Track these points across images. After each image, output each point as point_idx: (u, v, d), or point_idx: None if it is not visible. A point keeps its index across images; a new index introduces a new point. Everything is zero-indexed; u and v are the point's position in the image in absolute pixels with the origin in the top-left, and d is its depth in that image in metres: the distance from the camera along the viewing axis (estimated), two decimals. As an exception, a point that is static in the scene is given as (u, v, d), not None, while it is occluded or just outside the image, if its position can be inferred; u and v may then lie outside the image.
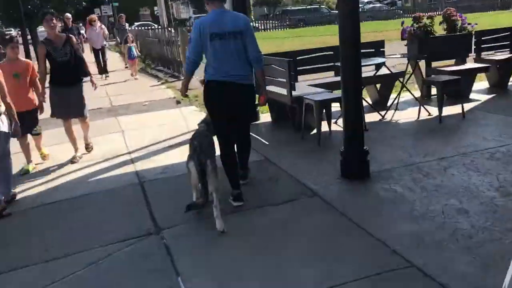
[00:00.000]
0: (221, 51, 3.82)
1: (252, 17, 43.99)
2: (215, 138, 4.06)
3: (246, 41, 3.88)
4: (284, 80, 5.86)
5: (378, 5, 47.20)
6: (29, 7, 20.70)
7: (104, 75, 13.46)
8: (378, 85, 7.29)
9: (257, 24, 35.12)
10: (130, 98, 9.86)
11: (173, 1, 42.17)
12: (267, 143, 5.90)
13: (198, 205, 3.71)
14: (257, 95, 4.38)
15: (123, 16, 16.73)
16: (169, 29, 29.97)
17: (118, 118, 8.13)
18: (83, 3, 26.06)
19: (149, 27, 30.32)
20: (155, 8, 43.62)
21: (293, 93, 5.88)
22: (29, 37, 22.83)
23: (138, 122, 7.72)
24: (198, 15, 37.46)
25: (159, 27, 29.38)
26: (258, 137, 6.04)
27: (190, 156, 3.75)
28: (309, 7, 45.84)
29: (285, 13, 42.00)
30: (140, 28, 29.88)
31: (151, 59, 15.60)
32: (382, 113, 6.57)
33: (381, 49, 7.29)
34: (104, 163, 5.71)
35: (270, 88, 5.94)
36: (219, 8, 3.89)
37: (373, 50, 7.14)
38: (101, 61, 13.46)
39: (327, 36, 19.83)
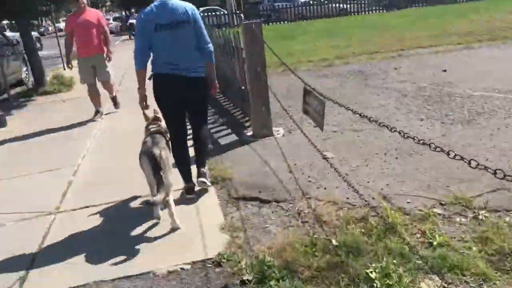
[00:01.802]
0: (168, 42, 3.70)
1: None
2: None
3: (194, 31, 3.77)
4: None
5: None
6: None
7: None
8: None
9: (345, 5, 29.43)
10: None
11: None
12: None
13: (155, 202, 3.36)
14: None
15: None
16: (238, 13, 28.70)
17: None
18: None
19: (213, 13, 28.96)
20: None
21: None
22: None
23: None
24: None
25: (224, 13, 28.31)
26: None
27: (141, 152, 3.59)
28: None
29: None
30: (203, 14, 28.71)
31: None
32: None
33: None
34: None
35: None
36: None
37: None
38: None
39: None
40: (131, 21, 28.72)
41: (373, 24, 19.54)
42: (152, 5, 3.76)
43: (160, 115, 4.03)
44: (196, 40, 3.81)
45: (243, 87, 6.30)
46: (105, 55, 7.65)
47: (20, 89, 11.88)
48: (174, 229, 3.54)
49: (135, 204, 4.15)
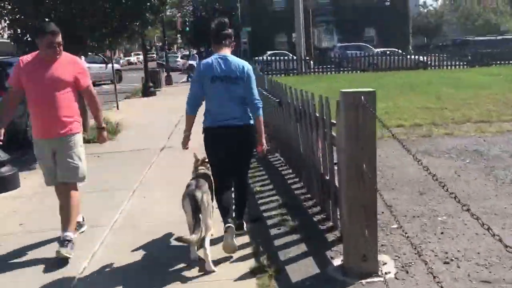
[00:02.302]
0: (220, 94, 3.94)
1: (410, 47, 40.10)
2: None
3: (246, 87, 3.99)
4: None
5: None
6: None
7: None
8: None
9: (424, 58, 27.71)
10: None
11: (316, 27, 39.43)
12: None
13: (188, 240, 3.51)
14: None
15: None
16: (307, 59, 27.27)
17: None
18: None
19: (281, 58, 27.42)
20: (293, 35, 41.81)
21: None
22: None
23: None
24: (343, 44, 34.54)
25: (294, 57, 26.77)
26: None
27: (185, 193, 3.75)
28: (499, 37, 34.89)
29: (464, 44, 32.88)
30: (270, 59, 27.49)
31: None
32: None
33: None
34: None
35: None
36: (222, 52, 4.07)
37: None
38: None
39: None
40: (190, 62, 27.26)
41: (459, 81, 17.23)
42: (213, 57, 4.05)
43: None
44: (247, 95, 4.03)
45: (327, 177, 4.32)
46: (77, 136, 4.25)
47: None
48: (207, 272, 3.56)
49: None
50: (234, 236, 3.83)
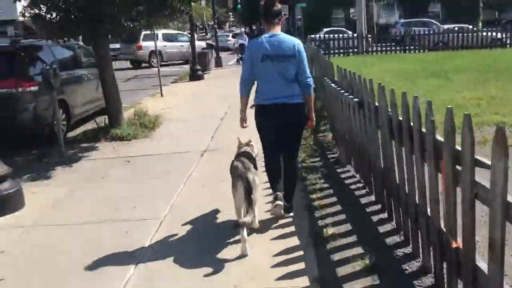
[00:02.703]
0: (272, 72, 3.95)
1: (480, 24, 36.67)
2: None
3: (298, 64, 3.99)
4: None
5: None
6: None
7: None
8: None
9: (501, 34, 24.58)
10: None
11: (375, 1, 36.62)
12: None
13: (245, 224, 3.54)
14: None
15: None
16: (368, 37, 24.73)
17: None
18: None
19: (339, 36, 25.14)
20: (351, 10, 39.32)
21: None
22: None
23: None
24: (407, 20, 31.85)
25: (353, 35, 24.42)
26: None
27: (236, 175, 3.78)
28: None
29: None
30: (327, 36, 25.20)
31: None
32: None
33: None
34: None
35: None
36: (272, 30, 4.05)
37: None
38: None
39: None
40: (240, 41, 24.41)
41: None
42: (263, 36, 4.02)
43: (252, 142, 4.45)
44: (298, 73, 4.01)
45: (438, 224, 2.68)
46: None
47: (89, 125, 9.25)
48: (242, 255, 3.58)
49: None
50: (282, 201, 4.00)
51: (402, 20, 33.19)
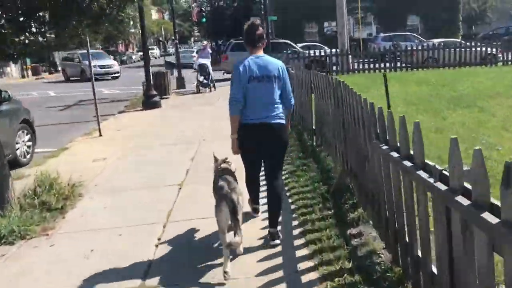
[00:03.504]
0: (257, 93, 4.06)
1: (460, 38, 34.33)
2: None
3: (283, 85, 4.17)
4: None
5: None
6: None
7: None
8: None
9: (492, 50, 22.02)
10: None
11: (351, 15, 33.91)
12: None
13: (237, 243, 3.61)
14: None
15: None
16: (348, 54, 21.04)
17: None
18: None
19: (320, 52, 21.83)
20: (325, 24, 36.82)
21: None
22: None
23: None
24: (387, 34, 29.19)
25: (334, 52, 21.14)
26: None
27: (220, 196, 3.77)
28: None
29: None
30: (304, 54, 21.76)
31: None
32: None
33: None
34: None
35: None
36: (257, 52, 4.17)
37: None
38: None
39: None
40: (201, 61, 16.72)
41: None
42: (249, 58, 4.12)
43: (228, 158, 4.41)
44: (282, 93, 4.18)
45: None
46: None
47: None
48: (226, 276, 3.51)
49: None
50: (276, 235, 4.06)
51: (382, 35, 30.62)
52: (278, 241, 4.05)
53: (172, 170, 6.60)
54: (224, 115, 5.07)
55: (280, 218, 4.26)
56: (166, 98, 15.60)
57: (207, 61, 16.67)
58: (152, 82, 13.80)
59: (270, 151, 4.16)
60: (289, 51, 22.46)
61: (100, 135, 9.76)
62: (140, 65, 46.87)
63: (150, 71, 13.92)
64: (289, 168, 6.17)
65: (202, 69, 16.45)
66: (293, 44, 24.30)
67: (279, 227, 4.19)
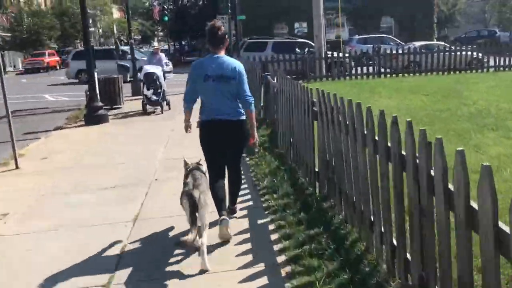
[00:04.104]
0: (213, 91, 4.19)
1: (435, 40, 32.75)
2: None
3: (238, 85, 4.22)
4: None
5: None
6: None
7: None
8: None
9: (479, 54, 20.68)
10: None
11: (325, 15, 31.85)
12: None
13: (186, 242, 3.54)
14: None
15: None
16: (307, 51, 19.04)
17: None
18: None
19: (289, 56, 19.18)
20: (295, 24, 34.79)
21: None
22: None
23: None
24: (362, 36, 27.35)
25: (305, 54, 18.81)
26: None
27: (183, 192, 3.88)
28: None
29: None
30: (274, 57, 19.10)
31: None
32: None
33: None
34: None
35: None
36: (218, 53, 4.28)
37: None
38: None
39: None
40: (148, 69, 12.35)
41: None
42: (206, 57, 4.34)
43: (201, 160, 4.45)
44: (239, 92, 4.24)
45: None
46: None
47: None
48: (203, 270, 3.55)
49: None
50: (228, 226, 4.02)
51: (357, 36, 28.80)
52: (236, 215, 4.60)
53: (99, 246, 4.17)
54: (186, 136, 4.71)
55: None
56: (118, 108, 13.06)
57: (157, 70, 12.21)
58: (97, 90, 11.22)
59: (228, 146, 4.37)
60: (305, 51, 20.32)
61: (17, 167, 7.20)
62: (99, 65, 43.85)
63: (96, 77, 11.34)
64: (290, 248, 3.84)
65: (149, 80, 11.87)
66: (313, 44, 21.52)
67: None
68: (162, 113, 11.80)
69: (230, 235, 4.05)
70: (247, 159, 6.74)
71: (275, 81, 8.29)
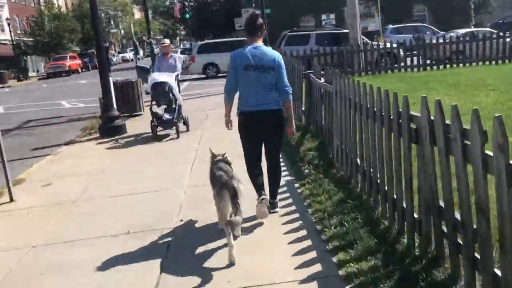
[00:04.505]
0: (253, 81, 4.26)
1: (473, 27, 30.52)
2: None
3: (277, 75, 4.30)
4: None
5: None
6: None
7: None
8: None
9: None
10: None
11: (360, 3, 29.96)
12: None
13: (238, 221, 3.68)
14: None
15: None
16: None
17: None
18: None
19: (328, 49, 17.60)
20: (322, 16, 33.12)
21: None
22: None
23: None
24: (395, 26, 25.59)
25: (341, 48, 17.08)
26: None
27: (221, 185, 3.89)
28: None
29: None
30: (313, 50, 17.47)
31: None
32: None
33: None
34: None
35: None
36: (255, 42, 4.33)
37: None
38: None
39: None
40: (157, 79, 8.81)
41: None
42: (247, 48, 4.30)
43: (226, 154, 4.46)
44: (277, 83, 4.32)
45: None
46: None
47: None
48: (231, 263, 3.59)
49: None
50: (268, 204, 4.32)
51: (391, 26, 26.90)
52: (277, 209, 4.57)
53: None
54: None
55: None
56: (138, 115, 11.69)
57: (169, 79, 8.82)
58: (113, 97, 9.86)
59: (267, 134, 4.45)
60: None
61: (11, 199, 5.84)
62: (121, 67, 42.64)
63: (111, 82, 9.98)
64: None
65: (159, 92, 8.76)
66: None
67: None
68: (178, 137, 8.60)
69: (268, 213, 4.33)
70: (297, 184, 5.24)
71: (321, 80, 6.79)
